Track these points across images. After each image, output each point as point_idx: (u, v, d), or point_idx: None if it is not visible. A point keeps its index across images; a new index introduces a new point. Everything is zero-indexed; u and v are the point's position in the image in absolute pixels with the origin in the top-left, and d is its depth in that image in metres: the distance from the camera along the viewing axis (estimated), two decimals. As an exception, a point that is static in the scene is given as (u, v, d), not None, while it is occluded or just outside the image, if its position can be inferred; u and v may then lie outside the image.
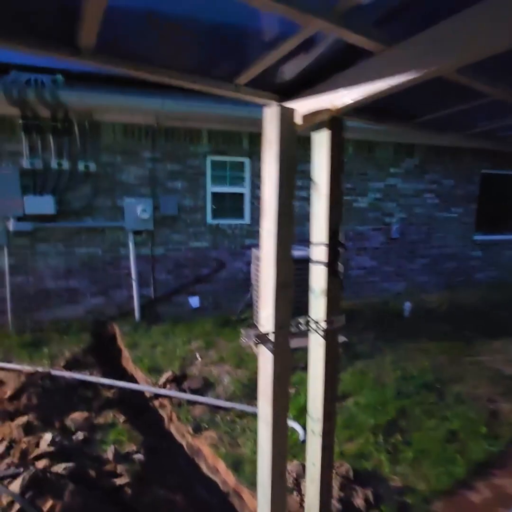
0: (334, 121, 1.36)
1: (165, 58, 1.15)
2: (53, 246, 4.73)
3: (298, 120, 1.30)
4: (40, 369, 3.62)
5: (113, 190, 4.87)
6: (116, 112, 4.59)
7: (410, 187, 6.46)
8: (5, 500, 1.68)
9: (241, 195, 5.46)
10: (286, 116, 1.26)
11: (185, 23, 0.98)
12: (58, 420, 2.83)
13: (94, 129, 4.65)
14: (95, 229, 4.85)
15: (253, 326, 4.72)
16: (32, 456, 2.12)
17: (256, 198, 5.44)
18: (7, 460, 2.06)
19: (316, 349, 1.53)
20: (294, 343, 4.40)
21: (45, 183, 4.55)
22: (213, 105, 4.63)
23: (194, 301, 5.47)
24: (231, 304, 5.36)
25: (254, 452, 2.56)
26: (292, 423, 2.78)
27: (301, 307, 4.34)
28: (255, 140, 5.32)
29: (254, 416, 2.98)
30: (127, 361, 4.16)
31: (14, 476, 1.86)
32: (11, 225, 4.50)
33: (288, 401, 1.43)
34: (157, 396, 3.39)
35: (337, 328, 1.51)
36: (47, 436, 2.39)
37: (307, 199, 5.62)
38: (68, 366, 3.83)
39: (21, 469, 1.90)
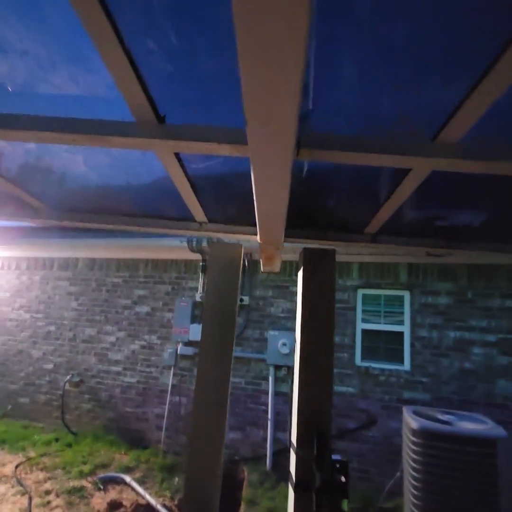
0: (306, 252, 0.97)
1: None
2: (205, 371, 5.11)
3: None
4: (152, 501, 3.57)
5: (261, 322, 5.07)
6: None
7: None
8: None
9: (399, 334, 4.57)
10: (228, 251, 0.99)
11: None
12: None
13: (253, 266, 5.23)
14: (241, 359, 5.00)
15: (402, 527, 3.26)
16: None
17: (418, 339, 4.41)
18: None
19: None
20: None
21: (209, 313, 5.26)
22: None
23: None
24: (380, 479, 4.02)
25: None
26: None
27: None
28: (416, 270, 4.61)
29: None
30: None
31: None
32: (179, 349, 5.25)
33: None
34: None
35: None
36: None
37: (496, 345, 4.13)
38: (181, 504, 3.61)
39: None
